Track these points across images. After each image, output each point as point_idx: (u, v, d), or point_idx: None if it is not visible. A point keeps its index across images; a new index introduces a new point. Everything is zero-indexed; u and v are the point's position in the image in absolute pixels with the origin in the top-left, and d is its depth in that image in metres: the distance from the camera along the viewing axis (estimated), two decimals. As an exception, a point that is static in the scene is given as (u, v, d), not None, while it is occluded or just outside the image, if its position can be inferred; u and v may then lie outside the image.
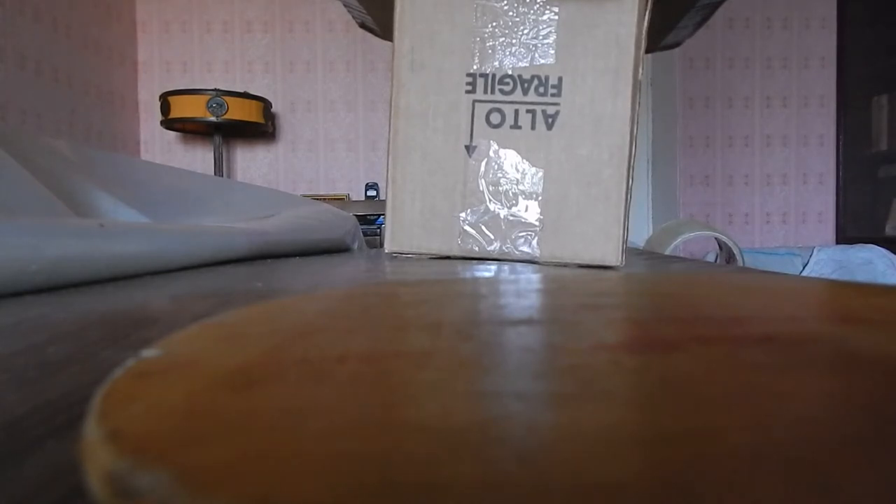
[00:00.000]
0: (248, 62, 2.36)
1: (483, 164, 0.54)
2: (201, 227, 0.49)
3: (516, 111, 0.53)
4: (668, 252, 1.37)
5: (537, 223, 0.53)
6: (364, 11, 0.68)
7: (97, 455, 0.07)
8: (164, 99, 2.01)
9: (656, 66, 2.35)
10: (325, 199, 1.97)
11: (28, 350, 0.18)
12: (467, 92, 0.54)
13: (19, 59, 1.72)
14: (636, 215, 2.38)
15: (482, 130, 0.53)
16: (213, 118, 1.97)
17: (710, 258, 1.89)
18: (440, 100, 0.54)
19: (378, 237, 1.78)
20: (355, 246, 0.83)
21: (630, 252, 0.84)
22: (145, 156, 2.36)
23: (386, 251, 0.56)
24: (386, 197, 0.55)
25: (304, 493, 0.06)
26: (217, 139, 2.10)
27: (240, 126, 2.07)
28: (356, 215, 0.92)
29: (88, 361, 0.17)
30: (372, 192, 2.25)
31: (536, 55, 0.52)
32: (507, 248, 0.53)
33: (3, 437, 0.11)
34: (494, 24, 0.53)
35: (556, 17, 0.52)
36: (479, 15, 0.53)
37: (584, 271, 0.48)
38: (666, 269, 0.51)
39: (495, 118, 0.53)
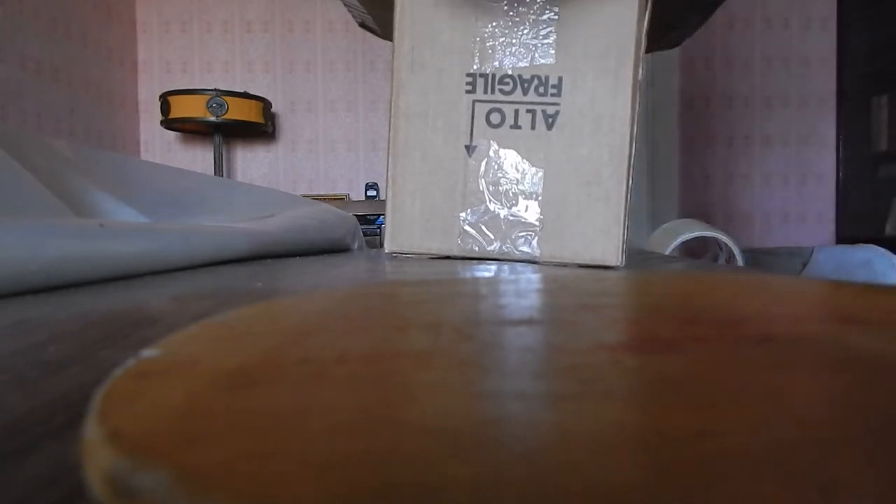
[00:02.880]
0: (248, 62, 2.36)
1: (483, 164, 0.54)
2: (201, 227, 0.49)
3: (516, 111, 0.53)
4: (668, 252, 1.37)
5: (537, 223, 0.53)
6: (364, 11, 0.68)
7: (97, 455, 0.07)
8: (164, 99, 2.01)
9: (656, 66, 2.35)
10: (325, 199, 1.97)
11: (28, 350, 0.18)
12: (467, 92, 0.53)
13: (19, 58, 1.72)
14: (636, 215, 2.38)
15: (482, 130, 0.53)
16: (213, 118, 1.97)
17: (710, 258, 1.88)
18: (440, 100, 0.54)
19: (378, 237, 1.78)
20: (355, 246, 0.83)
21: (630, 252, 0.84)
22: (145, 156, 2.36)
23: (386, 251, 0.56)
24: (386, 197, 0.55)
25: (304, 493, 0.06)
26: (217, 139, 2.10)
27: (240, 126, 2.07)
28: (356, 215, 0.92)
29: (88, 361, 0.17)
30: (372, 192, 2.25)
31: (536, 55, 0.52)
32: (507, 248, 0.53)
33: (3, 437, 0.11)
34: (494, 24, 0.53)
35: (556, 17, 0.52)
36: (479, 15, 0.53)
37: (584, 271, 0.48)
38: (666, 269, 0.51)
39: (495, 118, 0.53)
